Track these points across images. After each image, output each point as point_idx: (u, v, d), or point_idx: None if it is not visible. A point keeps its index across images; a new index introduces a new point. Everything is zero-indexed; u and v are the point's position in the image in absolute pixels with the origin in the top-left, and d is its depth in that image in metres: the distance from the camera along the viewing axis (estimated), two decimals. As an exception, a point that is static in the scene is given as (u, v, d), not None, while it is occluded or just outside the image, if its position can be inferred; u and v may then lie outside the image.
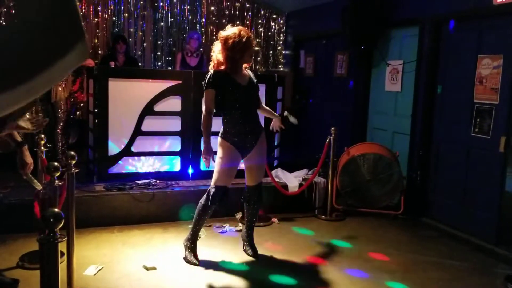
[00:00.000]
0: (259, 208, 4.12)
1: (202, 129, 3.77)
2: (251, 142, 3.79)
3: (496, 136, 4.47)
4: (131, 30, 7.57)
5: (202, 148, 3.76)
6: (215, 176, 3.79)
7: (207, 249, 4.20)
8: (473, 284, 3.77)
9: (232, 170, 3.80)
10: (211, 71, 3.76)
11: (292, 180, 5.56)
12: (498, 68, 4.46)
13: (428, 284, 3.71)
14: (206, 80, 3.73)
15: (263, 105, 4.16)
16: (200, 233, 4.53)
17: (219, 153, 3.79)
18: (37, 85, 0.95)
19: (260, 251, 4.14)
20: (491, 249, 4.43)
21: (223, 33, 3.69)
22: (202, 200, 3.84)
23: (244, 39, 3.64)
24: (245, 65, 3.83)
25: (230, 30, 3.70)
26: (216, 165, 3.79)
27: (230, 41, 3.62)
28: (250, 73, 3.90)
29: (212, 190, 3.76)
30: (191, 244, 3.93)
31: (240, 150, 3.76)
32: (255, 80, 3.91)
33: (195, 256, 3.90)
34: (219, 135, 3.84)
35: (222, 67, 3.72)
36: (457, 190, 4.95)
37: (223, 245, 4.30)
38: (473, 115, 4.73)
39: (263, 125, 4.12)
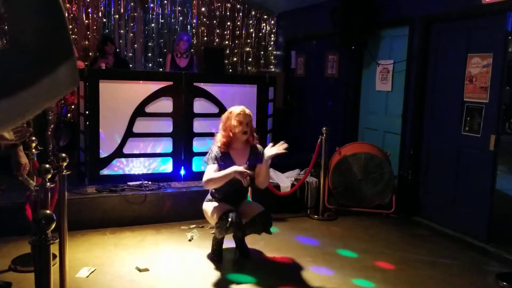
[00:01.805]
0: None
1: (217, 179, 3.70)
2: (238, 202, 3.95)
3: (486, 135, 4.51)
4: (121, 31, 7.55)
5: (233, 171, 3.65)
6: (213, 213, 3.83)
7: (199, 249, 4.20)
8: (464, 282, 3.80)
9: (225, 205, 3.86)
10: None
11: (284, 180, 5.57)
12: (488, 66, 4.50)
13: (419, 282, 3.74)
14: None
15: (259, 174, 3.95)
16: (192, 234, 4.55)
17: (210, 205, 3.93)
18: (22, 103, 0.93)
19: (252, 251, 4.14)
20: (482, 247, 4.47)
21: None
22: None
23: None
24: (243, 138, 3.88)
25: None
26: (210, 208, 3.89)
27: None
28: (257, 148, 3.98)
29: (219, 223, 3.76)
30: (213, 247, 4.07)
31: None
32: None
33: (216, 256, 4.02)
34: (206, 200, 4.03)
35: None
36: (448, 188, 4.99)
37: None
38: (463, 114, 4.77)
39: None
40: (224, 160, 3.79)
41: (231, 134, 3.82)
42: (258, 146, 3.99)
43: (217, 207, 3.83)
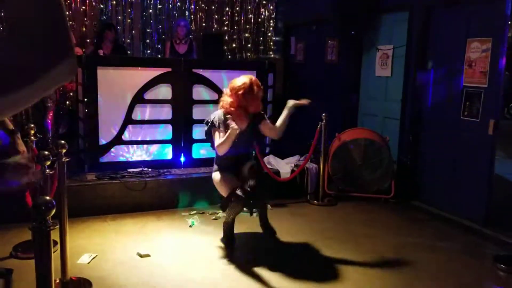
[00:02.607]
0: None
1: (225, 141, 3.81)
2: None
3: (485, 119, 4.51)
4: (119, 17, 7.49)
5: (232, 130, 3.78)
6: (222, 186, 3.92)
7: (200, 235, 4.23)
8: (463, 264, 3.83)
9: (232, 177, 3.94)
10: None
11: (284, 167, 5.58)
12: (487, 51, 4.49)
13: (418, 266, 3.77)
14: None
15: (276, 125, 4.14)
16: (193, 220, 4.57)
17: (217, 176, 3.99)
18: (20, 99, 0.93)
19: (252, 235, 4.17)
20: (480, 230, 4.50)
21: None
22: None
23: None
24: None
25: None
26: (218, 179, 3.97)
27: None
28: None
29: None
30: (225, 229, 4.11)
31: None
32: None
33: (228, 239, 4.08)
34: (213, 170, 4.09)
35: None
36: (447, 173, 5.00)
37: (216, 231, 4.32)
38: (462, 98, 4.76)
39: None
40: (226, 125, 3.86)
41: (243, 104, 3.88)
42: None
43: (224, 181, 3.91)
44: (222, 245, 4.05)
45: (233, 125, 3.73)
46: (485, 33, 4.52)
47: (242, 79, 3.94)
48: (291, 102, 4.09)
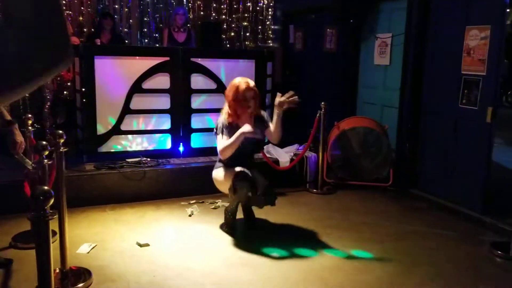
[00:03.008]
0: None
1: (231, 145, 3.83)
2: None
3: (483, 107, 4.50)
4: (116, 6, 7.44)
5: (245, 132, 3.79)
6: (226, 178, 3.94)
7: (199, 225, 4.25)
8: (461, 252, 3.85)
9: None
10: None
11: (283, 156, 5.59)
12: (486, 39, 4.47)
13: (417, 253, 3.79)
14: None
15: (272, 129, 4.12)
16: (192, 209, 4.59)
17: (219, 172, 4.03)
18: (22, 92, 0.96)
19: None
20: (478, 217, 4.52)
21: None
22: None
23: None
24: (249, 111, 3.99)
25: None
26: (221, 175, 4.01)
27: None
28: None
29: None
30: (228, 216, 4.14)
31: None
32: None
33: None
34: (214, 167, 4.12)
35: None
36: (445, 161, 5.01)
37: (215, 220, 4.33)
38: (460, 86, 4.75)
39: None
40: (230, 131, 3.88)
41: (237, 108, 3.91)
42: (262, 112, 4.13)
43: (228, 172, 3.93)
44: (221, 233, 4.06)
45: (246, 129, 3.74)
46: (484, 20, 4.50)
47: (231, 85, 3.98)
48: (277, 100, 3.98)
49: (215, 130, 4.00)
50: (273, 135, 4.10)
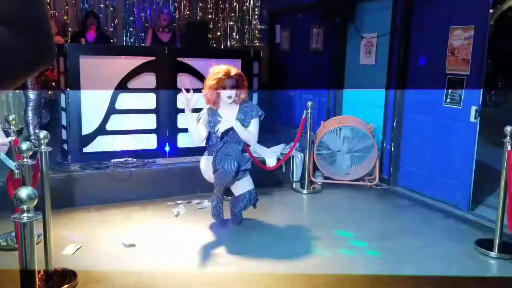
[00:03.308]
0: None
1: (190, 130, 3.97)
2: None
3: (467, 106, 4.56)
4: (101, 6, 7.39)
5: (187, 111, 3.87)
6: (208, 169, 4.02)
7: (186, 225, 4.23)
8: (445, 249, 3.89)
9: None
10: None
11: (270, 155, 5.59)
12: (469, 39, 4.52)
13: (401, 251, 3.82)
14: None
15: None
16: (178, 209, 4.57)
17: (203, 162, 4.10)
18: (3, 89, 0.96)
19: (238, 225, 4.20)
20: (462, 215, 4.58)
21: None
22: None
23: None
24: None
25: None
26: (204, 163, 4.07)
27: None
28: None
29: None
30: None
31: None
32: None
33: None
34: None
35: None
36: (430, 159, 5.06)
37: (202, 220, 4.32)
38: (445, 86, 4.80)
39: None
40: (213, 117, 3.88)
41: (214, 95, 3.89)
42: (248, 102, 4.07)
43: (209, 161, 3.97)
44: (208, 233, 4.05)
45: (221, 124, 3.81)
46: (467, 21, 4.55)
47: (211, 72, 3.95)
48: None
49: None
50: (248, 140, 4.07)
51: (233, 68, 3.93)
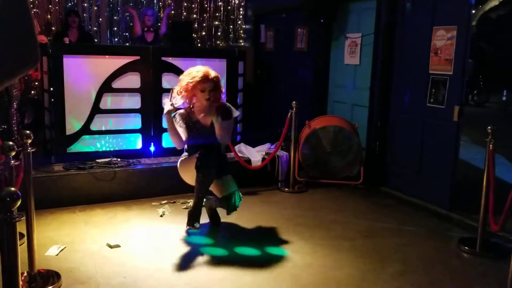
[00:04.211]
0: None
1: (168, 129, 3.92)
2: None
3: (450, 106, 4.62)
4: (85, 5, 7.32)
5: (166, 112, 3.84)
6: (187, 170, 3.97)
7: (171, 225, 4.22)
8: (429, 247, 3.94)
9: None
10: None
11: (255, 155, 5.60)
12: (452, 39, 4.58)
13: (385, 249, 3.86)
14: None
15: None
16: (163, 209, 4.55)
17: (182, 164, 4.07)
18: None
19: (224, 224, 4.20)
20: (446, 214, 4.63)
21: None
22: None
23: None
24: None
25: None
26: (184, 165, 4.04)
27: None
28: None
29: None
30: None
31: None
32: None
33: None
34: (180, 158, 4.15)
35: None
36: (414, 159, 5.11)
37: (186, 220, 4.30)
38: (428, 86, 4.86)
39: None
40: (190, 120, 3.85)
41: (193, 97, 3.85)
42: (227, 105, 4.02)
43: (189, 162, 3.90)
44: (193, 233, 4.04)
45: (166, 108, 3.78)
46: (450, 21, 4.61)
47: (188, 72, 3.87)
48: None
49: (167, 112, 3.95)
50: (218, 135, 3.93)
51: (211, 70, 3.88)
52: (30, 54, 0.98)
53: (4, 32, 0.93)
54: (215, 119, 3.86)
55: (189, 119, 3.92)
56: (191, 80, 3.78)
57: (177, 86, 3.90)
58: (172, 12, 7.95)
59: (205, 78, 3.79)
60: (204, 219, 4.18)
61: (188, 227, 4.03)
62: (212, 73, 3.85)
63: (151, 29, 6.97)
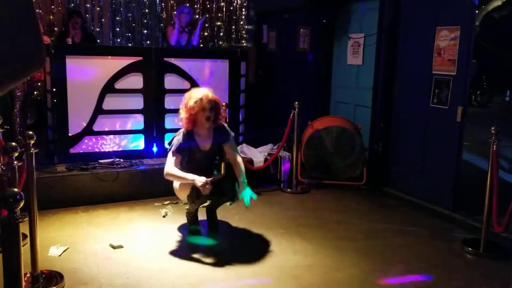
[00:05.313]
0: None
1: (176, 179, 3.83)
2: None
3: (453, 107, 4.61)
4: (87, 5, 7.32)
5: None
6: (182, 189, 3.88)
7: (173, 225, 4.22)
8: (432, 248, 3.93)
9: None
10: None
11: (258, 155, 5.60)
12: (455, 39, 4.57)
13: (388, 250, 3.85)
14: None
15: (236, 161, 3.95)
16: (166, 210, 4.55)
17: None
18: None
19: (223, 224, 4.19)
20: (448, 215, 4.62)
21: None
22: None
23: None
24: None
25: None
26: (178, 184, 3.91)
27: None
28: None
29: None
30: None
31: None
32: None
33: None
34: None
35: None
36: (417, 159, 5.10)
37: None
38: (431, 86, 4.85)
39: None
40: (188, 140, 3.80)
41: (193, 118, 3.80)
42: (224, 125, 3.99)
43: (184, 183, 3.79)
44: (196, 233, 4.04)
45: (199, 181, 3.61)
46: (453, 21, 4.60)
47: (188, 96, 3.84)
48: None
49: (169, 146, 3.87)
50: (235, 163, 3.94)
51: (210, 91, 3.87)
52: (36, 56, 0.98)
53: (11, 34, 0.93)
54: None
55: (189, 140, 3.84)
56: (194, 101, 3.75)
57: (180, 110, 3.88)
58: (175, 13, 7.93)
59: (206, 98, 3.79)
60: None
61: (190, 226, 4.06)
62: (211, 94, 3.84)
63: (186, 30, 6.60)
